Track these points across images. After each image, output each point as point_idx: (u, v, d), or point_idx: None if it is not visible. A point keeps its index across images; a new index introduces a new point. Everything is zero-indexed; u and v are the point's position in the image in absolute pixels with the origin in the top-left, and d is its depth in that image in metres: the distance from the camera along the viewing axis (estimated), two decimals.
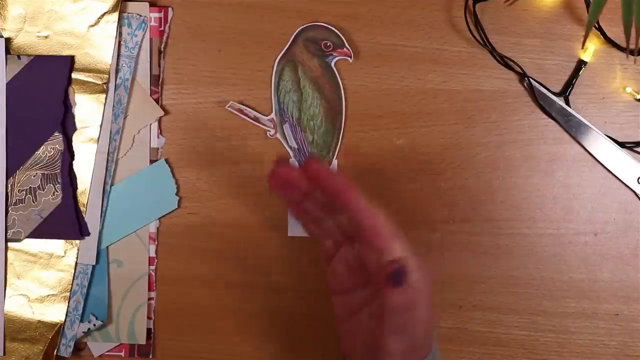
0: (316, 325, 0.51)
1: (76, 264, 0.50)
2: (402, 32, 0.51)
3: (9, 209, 0.50)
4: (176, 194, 0.51)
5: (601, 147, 0.50)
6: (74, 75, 0.50)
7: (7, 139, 0.50)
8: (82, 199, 0.50)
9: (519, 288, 0.51)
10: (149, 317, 0.51)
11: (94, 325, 0.51)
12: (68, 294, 0.50)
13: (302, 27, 0.50)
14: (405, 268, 0.37)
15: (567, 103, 0.50)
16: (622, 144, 0.50)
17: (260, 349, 0.52)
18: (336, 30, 0.50)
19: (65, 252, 0.50)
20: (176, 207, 0.51)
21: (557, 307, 0.51)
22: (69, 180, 0.50)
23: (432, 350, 0.41)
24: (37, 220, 0.50)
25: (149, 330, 0.51)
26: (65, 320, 0.50)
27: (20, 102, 0.50)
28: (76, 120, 0.50)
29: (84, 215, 0.50)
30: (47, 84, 0.50)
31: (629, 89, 0.50)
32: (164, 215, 0.51)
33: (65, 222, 0.50)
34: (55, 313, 0.50)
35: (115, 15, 0.50)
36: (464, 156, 0.51)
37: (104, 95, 0.50)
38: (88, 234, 0.50)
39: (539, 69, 0.51)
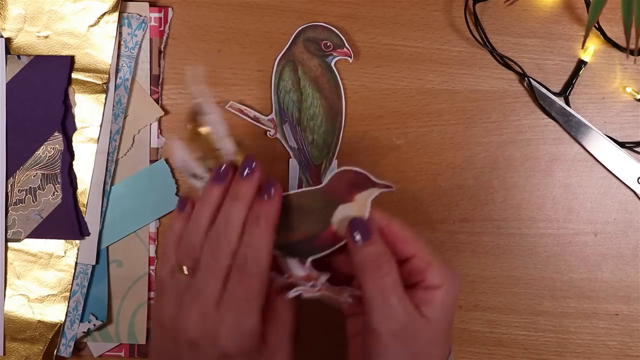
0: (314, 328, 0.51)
1: (76, 264, 0.50)
2: (402, 32, 0.51)
3: (9, 209, 0.50)
4: (176, 194, 0.51)
5: (601, 147, 0.50)
6: (74, 75, 0.50)
7: (7, 139, 0.50)
8: (82, 199, 0.50)
9: (519, 288, 0.51)
10: (149, 317, 0.51)
11: (94, 325, 0.51)
12: (68, 294, 0.50)
13: (302, 27, 0.50)
14: (365, 223, 0.38)
15: (567, 103, 0.50)
16: (622, 144, 0.50)
17: None
18: (336, 30, 0.50)
19: (65, 252, 0.50)
20: None
21: (557, 307, 0.51)
22: (69, 180, 0.50)
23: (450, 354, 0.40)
24: (37, 220, 0.50)
25: (149, 330, 0.51)
26: (65, 320, 0.50)
27: (20, 102, 0.50)
28: (76, 120, 0.50)
29: (84, 215, 0.50)
30: (47, 84, 0.49)
31: (629, 89, 0.50)
32: (164, 215, 0.51)
33: (65, 222, 0.50)
34: (55, 313, 0.50)
35: (115, 15, 0.50)
36: (464, 156, 0.51)
37: (104, 95, 0.50)
38: (88, 234, 0.50)
39: (539, 69, 0.51)
